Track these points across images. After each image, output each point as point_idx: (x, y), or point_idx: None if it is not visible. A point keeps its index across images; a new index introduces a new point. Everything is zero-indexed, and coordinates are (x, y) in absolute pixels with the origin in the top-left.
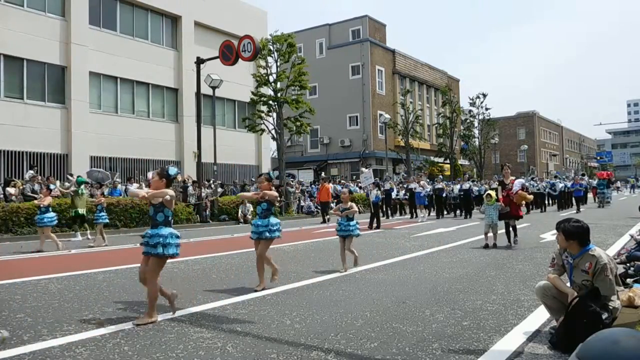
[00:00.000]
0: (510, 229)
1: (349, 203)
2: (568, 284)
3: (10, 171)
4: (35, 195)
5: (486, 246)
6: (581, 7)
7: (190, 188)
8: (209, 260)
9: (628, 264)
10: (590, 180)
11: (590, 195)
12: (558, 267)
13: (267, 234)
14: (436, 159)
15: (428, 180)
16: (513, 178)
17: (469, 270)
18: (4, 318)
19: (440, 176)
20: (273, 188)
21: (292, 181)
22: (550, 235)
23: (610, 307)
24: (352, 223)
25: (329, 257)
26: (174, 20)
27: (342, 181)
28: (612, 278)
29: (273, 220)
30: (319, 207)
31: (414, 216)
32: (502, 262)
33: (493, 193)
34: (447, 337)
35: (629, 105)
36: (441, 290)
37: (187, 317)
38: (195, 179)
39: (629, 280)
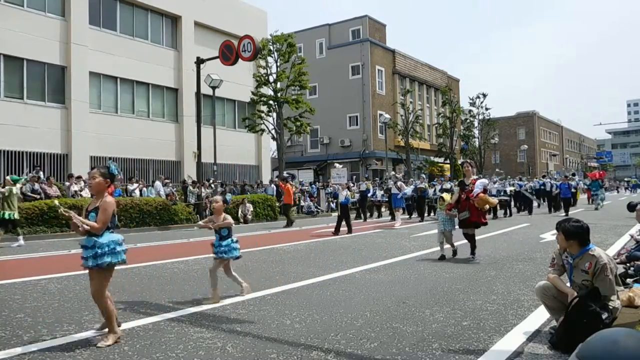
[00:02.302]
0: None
1: (222, 215)
2: (568, 284)
3: (10, 171)
4: (36, 196)
5: (442, 257)
6: (581, 7)
7: (190, 188)
8: (209, 260)
9: (628, 264)
10: (582, 181)
11: (585, 196)
12: (558, 267)
13: (90, 262)
14: (436, 159)
15: (417, 179)
16: (475, 178)
17: (469, 270)
18: (4, 318)
19: (423, 175)
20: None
21: (292, 181)
22: (550, 235)
23: (610, 307)
24: (224, 242)
25: (329, 257)
26: (174, 20)
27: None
28: (612, 278)
29: (107, 237)
30: (282, 209)
31: (393, 218)
32: (502, 262)
33: (447, 196)
34: (447, 337)
35: (629, 105)
36: (441, 290)
37: (187, 317)
38: (195, 179)
39: (629, 280)
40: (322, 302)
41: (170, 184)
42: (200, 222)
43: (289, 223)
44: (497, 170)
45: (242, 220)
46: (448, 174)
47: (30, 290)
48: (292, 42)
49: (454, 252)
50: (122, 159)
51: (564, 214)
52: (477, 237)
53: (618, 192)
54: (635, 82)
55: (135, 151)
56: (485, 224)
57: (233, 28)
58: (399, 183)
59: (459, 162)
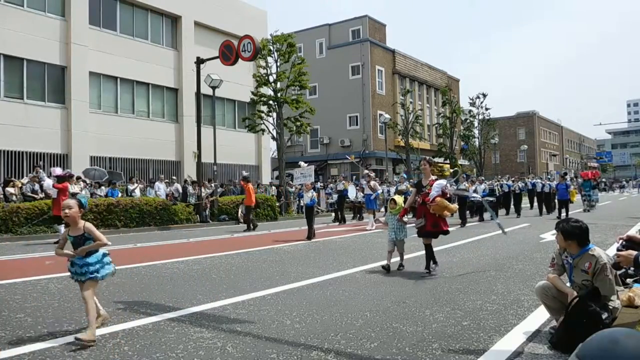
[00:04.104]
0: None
1: (81, 224)
2: (568, 284)
3: (10, 171)
4: (35, 196)
5: (386, 268)
6: (581, 7)
7: (190, 188)
8: (209, 260)
9: None
10: (577, 181)
11: (579, 196)
12: (558, 267)
13: None
14: (436, 159)
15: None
16: (433, 178)
17: (469, 270)
18: (4, 318)
19: (404, 174)
20: None
21: (292, 181)
22: (550, 235)
23: (610, 307)
24: (91, 259)
25: (329, 257)
26: (174, 20)
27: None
28: (612, 278)
29: None
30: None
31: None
32: (502, 262)
33: (398, 198)
34: (447, 337)
35: (629, 105)
36: (441, 290)
37: (187, 317)
38: (195, 179)
39: (629, 280)
40: (322, 302)
41: (171, 184)
42: (57, 249)
43: (251, 227)
44: (454, 168)
45: (242, 220)
46: (448, 174)
47: (30, 290)
48: (292, 42)
49: (401, 265)
50: (122, 159)
51: (557, 216)
52: (476, 238)
53: (622, 191)
54: (635, 82)
55: (135, 151)
56: (446, 232)
57: (233, 28)
58: (372, 183)
59: (459, 162)
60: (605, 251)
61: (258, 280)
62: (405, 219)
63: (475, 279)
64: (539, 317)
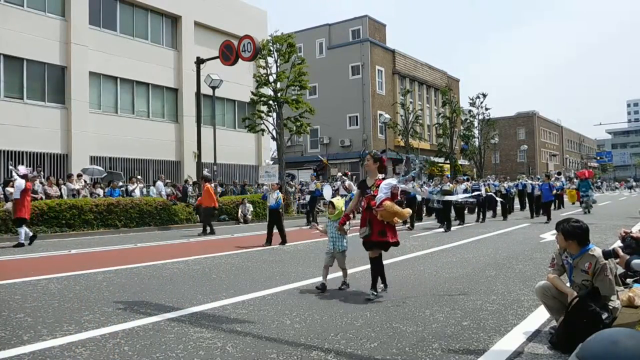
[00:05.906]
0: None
1: None
2: (568, 284)
3: (10, 171)
4: (36, 196)
5: (321, 287)
6: (581, 7)
7: (190, 188)
8: (209, 260)
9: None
10: (574, 181)
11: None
12: (558, 267)
13: None
14: (436, 159)
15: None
16: (380, 177)
17: (469, 270)
18: (4, 318)
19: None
20: None
21: (292, 181)
22: (550, 235)
23: (610, 307)
24: None
25: None
26: (174, 20)
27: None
28: (612, 278)
29: None
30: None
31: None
32: (502, 262)
33: (338, 202)
34: (447, 337)
35: (629, 105)
36: (441, 290)
37: (187, 317)
38: (195, 179)
39: (629, 280)
40: (322, 302)
41: (170, 183)
42: None
43: (208, 231)
44: (407, 156)
45: (242, 220)
46: (448, 173)
47: (30, 290)
48: (292, 42)
49: (344, 283)
50: (122, 159)
51: (545, 220)
52: (476, 238)
53: (600, 191)
54: (635, 82)
55: (135, 151)
56: (396, 244)
57: (233, 28)
58: (347, 183)
59: (459, 162)
60: None
61: (258, 280)
62: (346, 227)
63: (475, 279)
64: (539, 317)
